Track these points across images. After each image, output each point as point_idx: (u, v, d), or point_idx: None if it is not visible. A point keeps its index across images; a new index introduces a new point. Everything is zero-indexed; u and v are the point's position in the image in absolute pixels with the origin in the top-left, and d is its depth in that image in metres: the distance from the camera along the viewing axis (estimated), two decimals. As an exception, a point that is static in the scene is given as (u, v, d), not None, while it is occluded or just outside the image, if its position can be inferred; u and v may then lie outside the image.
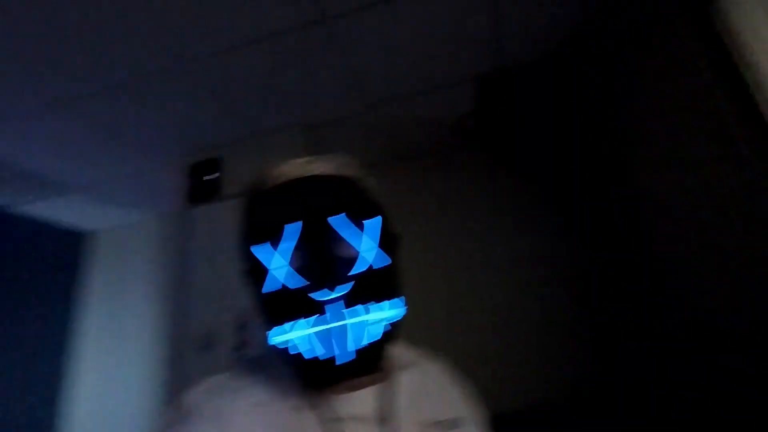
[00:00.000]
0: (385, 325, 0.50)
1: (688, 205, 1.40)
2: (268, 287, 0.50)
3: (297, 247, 0.49)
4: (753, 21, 1.16)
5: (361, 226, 0.51)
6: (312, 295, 0.47)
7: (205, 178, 2.18)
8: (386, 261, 0.52)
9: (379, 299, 0.50)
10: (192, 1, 1.42)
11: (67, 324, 2.89)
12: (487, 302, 2.12)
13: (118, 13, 1.42)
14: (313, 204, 0.50)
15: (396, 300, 0.52)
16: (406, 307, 0.53)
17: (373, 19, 1.57)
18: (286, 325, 0.48)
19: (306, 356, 0.48)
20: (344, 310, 0.47)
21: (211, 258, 2.08)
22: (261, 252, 0.50)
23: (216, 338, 1.91)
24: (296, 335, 0.47)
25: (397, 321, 0.52)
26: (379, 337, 0.50)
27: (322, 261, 0.48)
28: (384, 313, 0.49)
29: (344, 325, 0.47)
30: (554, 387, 1.91)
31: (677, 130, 1.42)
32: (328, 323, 0.46)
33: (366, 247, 0.50)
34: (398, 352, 0.61)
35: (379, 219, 0.53)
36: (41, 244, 2.85)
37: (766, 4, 1.15)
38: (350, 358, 0.48)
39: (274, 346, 0.50)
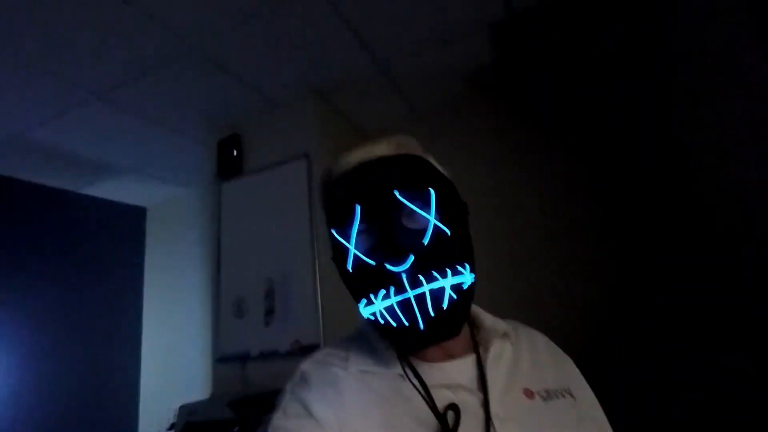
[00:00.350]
0: (461, 288, 0.52)
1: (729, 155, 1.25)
2: (349, 265, 0.54)
3: (369, 225, 0.53)
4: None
5: (425, 198, 0.52)
6: (388, 267, 0.49)
7: (231, 152, 2.27)
8: (453, 229, 0.53)
9: (451, 265, 0.52)
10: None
11: (136, 290, 3.25)
12: (504, 253, 2.08)
13: (140, 7, 1.49)
14: (378, 183, 0.53)
15: (466, 264, 0.54)
16: (474, 273, 0.55)
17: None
18: (371, 297, 0.52)
19: (394, 325, 0.51)
20: (420, 278, 0.49)
21: (239, 229, 2.21)
22: (339, 234, 0.54)
23: (246, 305, 2.06)
24: (380, 307, 0.51)
25: (471, 284, 0.55)
26: (456, 299, 0.52)
27: (393, 235, 0.51)
28: (459, 278, 0.52)
29: (423, 292, 0.49)
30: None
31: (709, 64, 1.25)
32: (406, 292, 0.49)
33: (432, 216, 0.52)
34: (491, 321, 0.63)
35: (442, 190, 0.55)
36: (109, 219, 3.19)
37: None
38: (432, 322, 0.50)
39: (366, 318, 0.55)
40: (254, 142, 2.26)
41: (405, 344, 0.54)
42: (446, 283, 0.50)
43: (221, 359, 2.08)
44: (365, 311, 0.54)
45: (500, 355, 0.58)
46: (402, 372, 0.54)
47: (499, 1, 1.71)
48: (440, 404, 0.51)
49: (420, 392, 0.52)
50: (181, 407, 1.87)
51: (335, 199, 0.57)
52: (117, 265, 3.17)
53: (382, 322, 0.52)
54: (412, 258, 0.49)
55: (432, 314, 0.50)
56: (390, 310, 0.50)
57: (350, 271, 0.54)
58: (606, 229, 1.92)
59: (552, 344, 0.68)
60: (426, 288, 0.49)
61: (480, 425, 0.50)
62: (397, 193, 0.51)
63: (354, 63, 1.97)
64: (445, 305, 0.50)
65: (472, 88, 2.25)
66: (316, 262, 1.96)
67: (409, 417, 0.51)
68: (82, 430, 2.68)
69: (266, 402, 1.73)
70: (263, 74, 2.00)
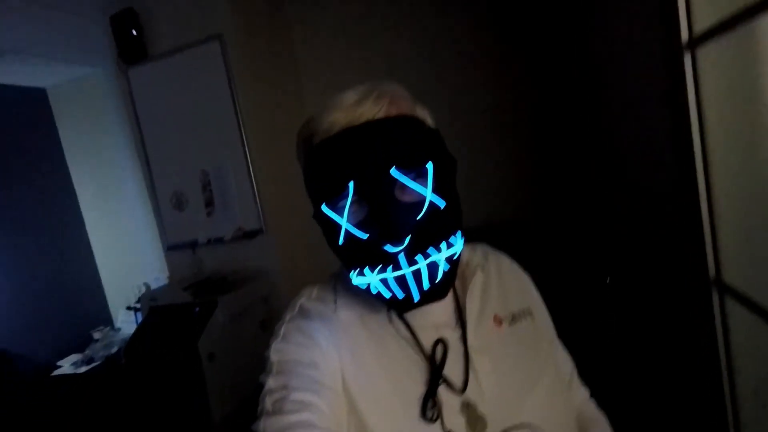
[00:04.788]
0: (453, 258, 0.52)
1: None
2: (342, 240, 0.52)
3: (361, 200, 0.50)
4: None
5: (421, 171, 0.50)
6: (385, 247, 0.48)
7: (130, 32, 2.02)
8: (449, 199, 0.52)
9: (447, 237, 0.51)
10: None
11: (62, 176, 3.14)
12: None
13: None
14: (371, 156, 0.49)
15: (459, 233, 0.54)
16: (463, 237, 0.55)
17: None
18: (364, 270, 0.51)
19: (385, 296, 0.52)
20: (417, 257, 0.49)
21: (157, 120, 2.11)
22: (329, 209, 0.52)
23: (185, 198, 2.11)
24: (374, 279, 0.51)
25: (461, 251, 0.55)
26: (448, 269, 0.52)
27: (388, 214, 0.48)
28: (452, 249, 0.51)
29: (419, 269, 0.49)
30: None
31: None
32: (402, 270, 0.49)
33: (429, 190, 0.50)
34: (467, 256, 0.64)
35: (436, 157, 0.52)
36: (11, 106, 2.88)
37: None
38: (426, 292, 0.51)
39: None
40: (155, 21, 2.00)
41: (395, 308, 0.56)
42: (441, 256, 0.50)
43: (171, 247, 2.21)
44: (356, 281, 0.53)
45: (474, 288, 0.60)
46: (390, 316, 0.57)
47: None
48: (427, 343, 0.55)
49: (411, 333, 0.55)
50: (145, 290, 2.06)
51: (322, 171, 0.52)
52: (32, 151, 2.98)
53: (374, 292, 0.53)
54: (408, 239, 0.48)
55: (426, 288, 0.51)
56: (384, 282, 0.51)
57: (340, 245, 0.53)
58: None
59: (515, 265, 0.70)
60: (422, 264, 0.49)
61: (460, 358, 0.55)
62: (393, 171, 0.49)
63: None
64: (439, 277, 0.51)
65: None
66: (247, 154, 1.98)
67: (401, 354, 0.55)
68: (59, 319, 2.88)
69: (219, 284, 1.94)
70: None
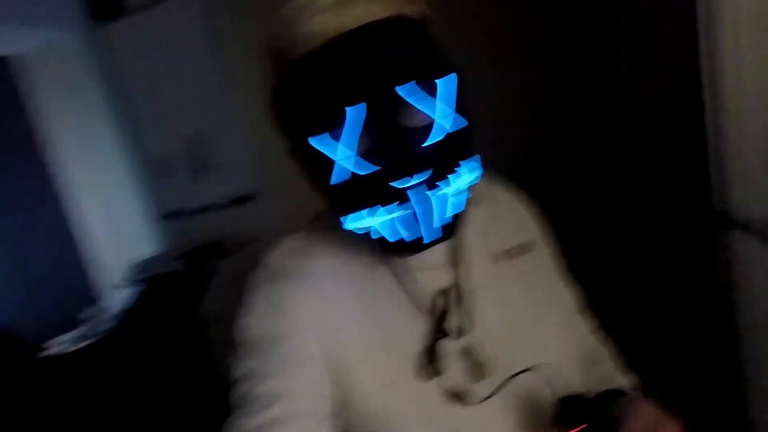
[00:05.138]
0: (467, 191, 0.46)
1: None
2: (336, 179, 0.43)
3: (364, 130, 0.40)
4: None
5: (433, 89, 0.41)
6: (392, 184, 0.40)
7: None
8: (463, 122, 0.43)
9: (458, 165, 0.44)
10: None
11: (36, 148, 2.97)
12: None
13: None
14: (373, 72, 0.39)
15: (473, 160, 0.45)
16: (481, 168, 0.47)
17: None
18: (363, 212, 0.43)
19: (390, 240, 0.44)
20: (427, 192, 0.41)
21: (143, 81, 1.98)
22: (321, 142, 0.42)
23: (173, 164, 2.00)
24: (377, 221, 0.43)
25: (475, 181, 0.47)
26: (463, 206, 0.46)
27: (396, 143, 0.40)
28: (466, 179, 0.44)
29: (429, 206, 0.42)
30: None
31: None
32: (411, 208, 0.42)
33: (442, 113, 0.41)
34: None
35: (453, 75, 0.43)
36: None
37: None
38: (438, 235, 0.44)
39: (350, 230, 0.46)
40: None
41: (396, 253, 0.48)
42: (455, 188, 0.43)
43: (162, 216, 2.11)
44: (352, 225, 0.45)
45: (471, 224, 0.53)
46: (371, 262, 0.50)
47: None
48: (421, 287, 0.49)
49: (388, 280, 0.50)
50: (134, 265, 1.97)
51: (309, 95, 0.42)
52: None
53: (374, 236, 0.45)
54: (419, 173, 0.41)
55: (437, 226, 0.44)
56: (389, 224, 0.43)
57: (336, 186, 0.43)
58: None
59: (515, 197, 0.63)
60: (433, 198, 0.42)
61: (455, 302, 0.50)
62: (399, 90, 0.40)
63: None
64: (450, 214, 0.44)
65: None
66: (234, 110, 1.87)
67: (392, 305, 0.49)
68: (41, 303, 2.77)
69: (214, 250, 1.86)
70: None
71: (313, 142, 0.42)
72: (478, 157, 0.46)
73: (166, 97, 1.96)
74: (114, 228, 2.93)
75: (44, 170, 3.00)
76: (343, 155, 0.41)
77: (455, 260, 0.52)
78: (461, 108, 0.44)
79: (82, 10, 1.96)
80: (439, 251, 0.50)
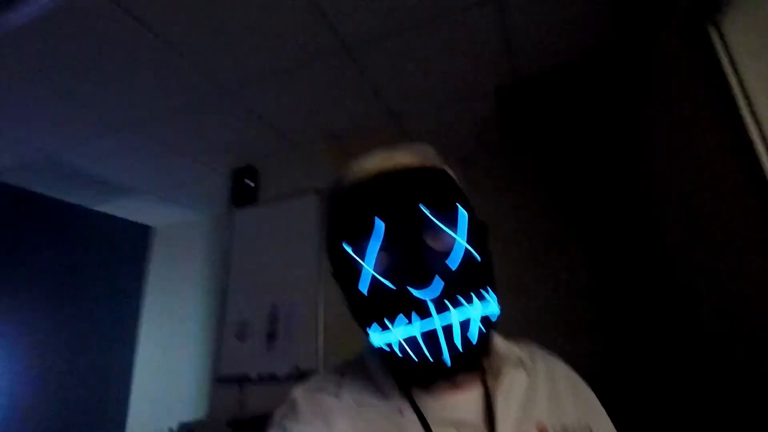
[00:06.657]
0: (489, 320, 0.47)
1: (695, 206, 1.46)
2: (363, 285, 0.47)
3: (390, 243, 0.46)
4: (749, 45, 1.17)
5: (452, 217, 0.48)
6: (413, 292, 0.43)
7: (246, 181, 2.42)
8: (480, 252, 0.49)
9: (478, 292, 0.47)
10: (229, 37, 1.63)
11: (135, 307, 3.31)
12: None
13: (177, 50, 1.67)
14: (401, 197, 0.47)
15: (490, 291, 0.49)
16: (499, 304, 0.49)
17: (389, 44, 1.71)
18: (386, 321, 0.46)
19: (416, 359, 0.45)
20: (448, 306, 0.44)
21: (249, 255, 2.33)
22: (353, 250, 0.48)
23: (249, 329, 2.16)
24: (400, 336, 0.45)
25: (497, 314, 0.49)
26: (485, 332, 0.47)
27: (418, 255, 0.45)
28: (488, 308, 0.47)
29: (450, 324, 0.44)
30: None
31: (685, 138, 1.47)
32: (432, 323, 0.44)
33: (460, 237, 0.47)
34: (505, 346, 0.56)
35: (468, 209, 0.50)
36: (115, 235, 3.28)
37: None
38: (459, 356, 0.45)
39: (372, 347, 0.49)
40: (269, 176, 2.42)
41: (418, 378, 0.49)
42: (475, 314, 0.45)
43: (221, 379, 2.15)
44: (378, 339, 0.47)
45: (512, 387, 0.51)
46: (401, 406, 0.48)
47: (507, 68, 1.94)
48: None
49: (424, 427, 0.47)
50: (180, 425, 1.93)
51: (349, 210, 0.50)
52: (118, 279, 3.23)
53: (400, 354, 0.46)
54: (441, 284, 0.44)
55: (460, 349, 0.45)
56: (411, 341, 0.45)
57: (364, 293, 0.47)
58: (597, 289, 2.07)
59: (572, 372, 0.61)
60: (455, 319, 0.44)
61: None
62: (424, 209, 0.46)
63: (369, 114, 2.16)
64: (475, 339, 0.45)
65: (478, 144, 2.45)
66: (321, 292, 2.09)
67: None
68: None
69: (265, 424, 1.80)
70: (286, 119, 2.18)
71: (346, 246, 0.49)
72: (495, 298, 0.49)
73: (263, 269, 2.25)
74: (168, 385, 2.95)
75: (132, 315, 3.29)
76: (370, 262, 0.47)
77: (488, 422, 0.48)
78: (482, 246, 0.50)
79: (228, 198, 2.48)
80: (470, 407, 0.49)
